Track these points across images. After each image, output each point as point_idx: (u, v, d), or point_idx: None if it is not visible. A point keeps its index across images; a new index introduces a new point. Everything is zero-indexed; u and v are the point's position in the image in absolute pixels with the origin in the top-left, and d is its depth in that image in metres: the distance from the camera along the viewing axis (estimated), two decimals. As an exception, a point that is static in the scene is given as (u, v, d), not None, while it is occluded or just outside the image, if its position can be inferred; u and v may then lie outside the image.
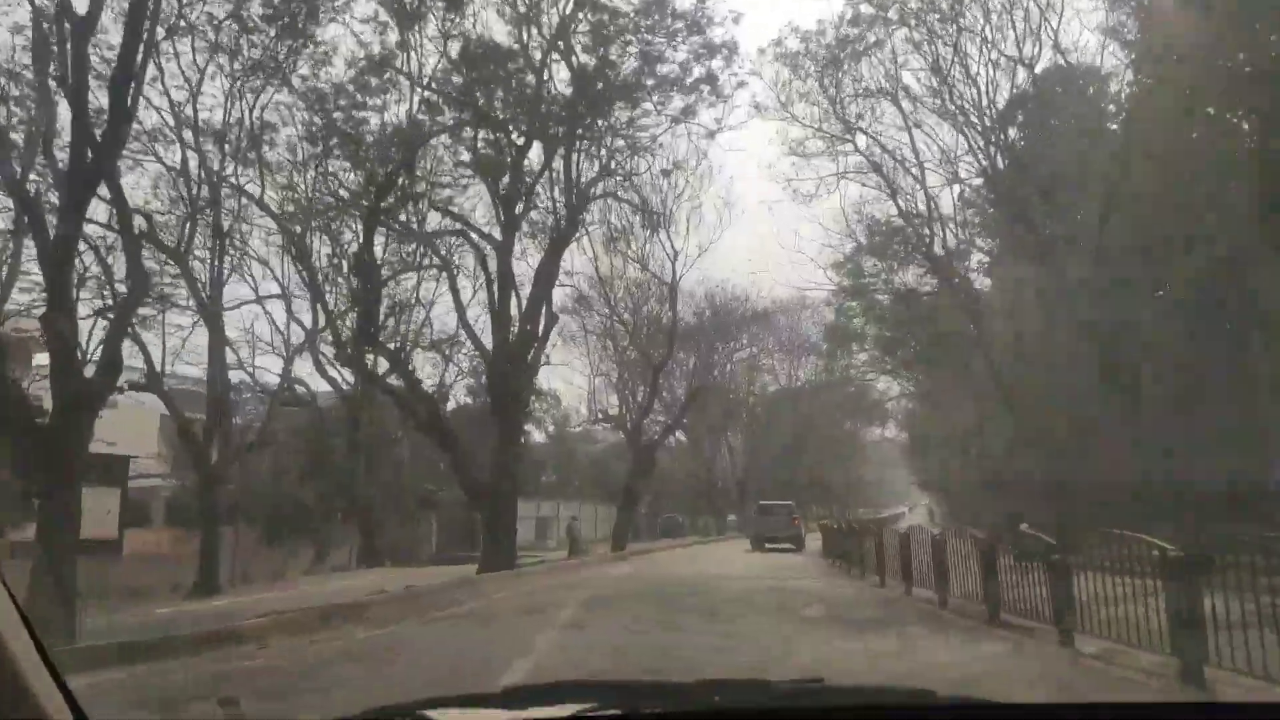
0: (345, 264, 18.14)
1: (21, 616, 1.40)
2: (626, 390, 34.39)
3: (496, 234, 20.14)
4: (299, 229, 20.50)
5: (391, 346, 26.59)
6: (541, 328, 20.53)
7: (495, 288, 19.54)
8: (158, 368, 20.69)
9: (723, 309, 44.42)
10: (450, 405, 39.70)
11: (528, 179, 20.06)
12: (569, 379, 40.50)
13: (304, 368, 32.48)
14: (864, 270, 41.62)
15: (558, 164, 20.50)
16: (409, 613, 11.18)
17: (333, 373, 29.12)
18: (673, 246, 28.43)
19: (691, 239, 59.76)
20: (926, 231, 29.09)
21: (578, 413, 44.56)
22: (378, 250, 19.85)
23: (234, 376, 27.59)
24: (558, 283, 22.04)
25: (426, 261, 21.50)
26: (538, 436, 59.99)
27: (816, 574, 19.90)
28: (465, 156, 19.81)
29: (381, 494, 34.69)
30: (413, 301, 22.54)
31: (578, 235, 22.57)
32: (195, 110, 20.43)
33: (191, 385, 27.81)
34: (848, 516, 79.60)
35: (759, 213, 39.52)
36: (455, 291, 19.64)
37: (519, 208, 19.86)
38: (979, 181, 30.98)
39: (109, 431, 24.57)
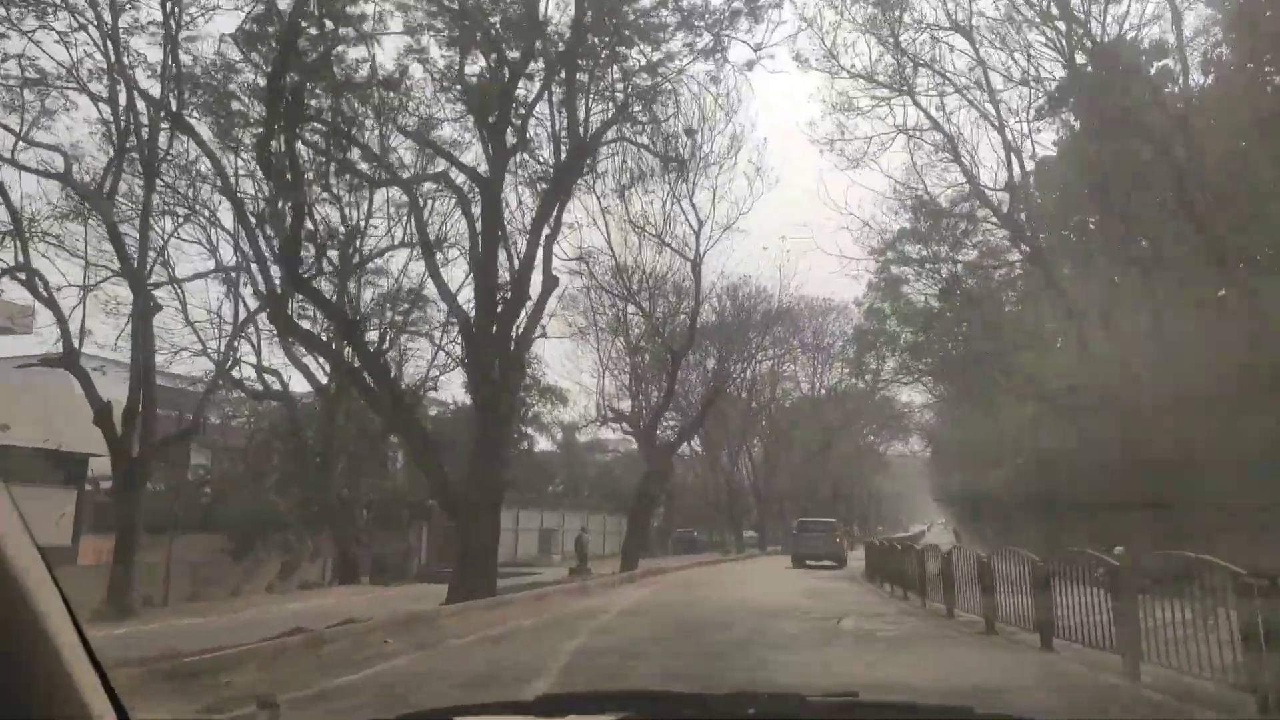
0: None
1: (69, 611, 1.28)
2: (640, 387, 30.06)
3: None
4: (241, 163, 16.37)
5: (367, 331, 22.55)
6: (538, 291, 16.25)
7: (480, 236, 15.28)
8: (129, 344, 16.62)
9: (745, 305, 40.19)
10: (442, 403, 35.50)
11: (522, 110, 15.88)
12: (577, 378, 36.72)
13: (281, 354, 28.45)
14: (908, 255, 37.31)
15: (559, 93, 16.30)
16: (287, 672, 6.99)
17: (309, 359, 24.91)
18: (696, 216, 24.23)
19: (719, 209, 54.41)
20: (1001, 196, 24.40)
21: (586, 414, 40.34)
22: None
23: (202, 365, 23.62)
24: (562, 237, 17.80)
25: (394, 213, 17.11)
26: (544, 444, 55.93)
27: (880, 603, 15.59)
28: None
29: (365, 500, 30.54)
30: (375, 257, 17.98)
31: (584, 177, 18.32)
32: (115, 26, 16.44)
33: (185, 384, 23.93)
34: (873, 534, 75.83)
35: (795, 183, 35.48)
36: (422, 230, 15.22)
37: (510, 139, 15.65)
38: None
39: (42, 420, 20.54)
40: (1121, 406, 24.53)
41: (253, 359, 27.42)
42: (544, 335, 16.85)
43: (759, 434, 52.48)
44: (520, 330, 15.78)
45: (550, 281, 16.75)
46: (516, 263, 15.90)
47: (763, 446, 51.59)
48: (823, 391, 56.89)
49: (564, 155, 15.98)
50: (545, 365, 38.04)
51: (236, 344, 21.67)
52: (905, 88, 23.81)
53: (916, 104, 24.16)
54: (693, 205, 24.09)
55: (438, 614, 10.98)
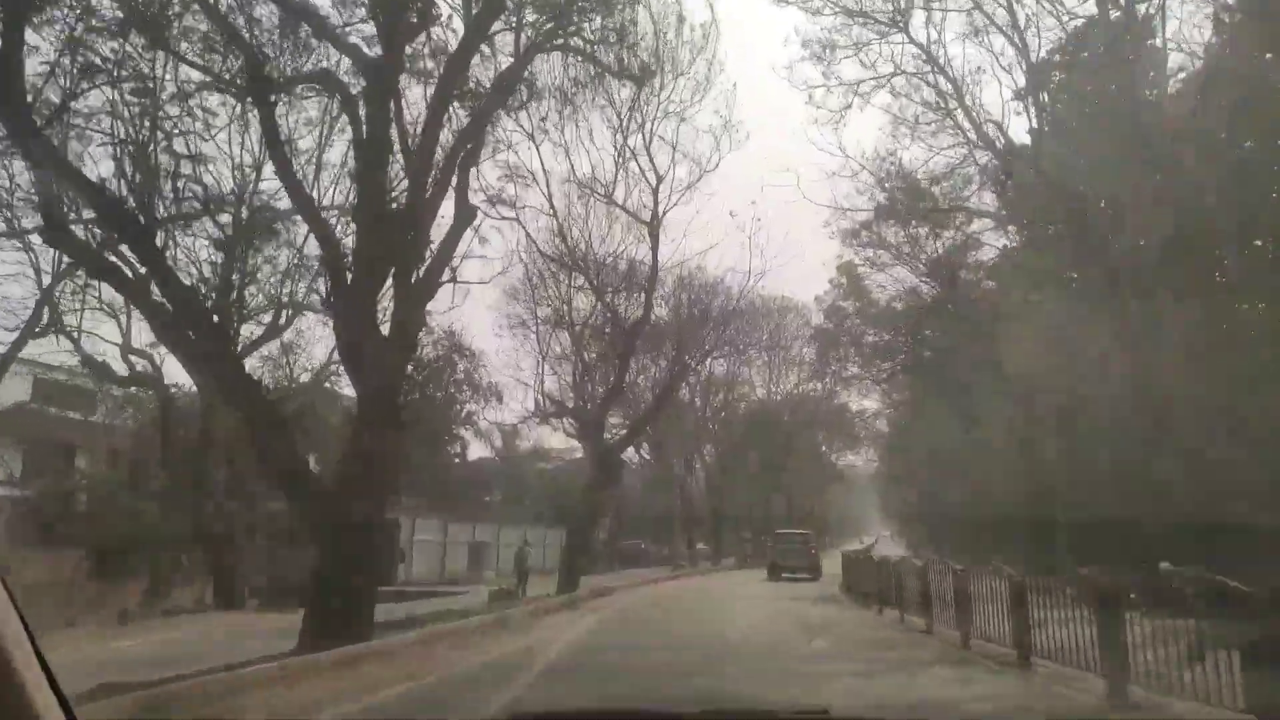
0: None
1: (25, 627, 1.33)
2: (586, 375, 25.56)
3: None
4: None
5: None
6: (446, 219, 11.82)
7: (366, 141, 10.72)
8: None
9: (700, 298, 36.14)
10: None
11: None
12: (517, 366, 31.76)
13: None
14: (885, 238, 33.58)
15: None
16: None
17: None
18: (655, 170, 19.97)
19: (679, 170, 49.18)
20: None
21: (526, 410, 35.60)
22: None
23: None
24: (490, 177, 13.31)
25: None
26: (480, 450, 51.01)
27: (893, 635, 11.47)
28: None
29: (257, 509, 25.55)
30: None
31: (516, 96, 13.96)
32: None
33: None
34: (824, 547, 72.31)
35: (768, 141, 31.42)
36: (268, 122, 10.34)
37: (412, 14, 11.16)
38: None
39: None
40: (1116, 415, 21.54)
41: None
42: (454, 280, 12.29)
43: (712, 440, 48.35)
44: (423, 272, 11.27)
45: (466, 211, 12.27)
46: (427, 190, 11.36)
47: (717, 454, 47.50)
48: (778, 397, 53.09)
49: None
50: (482, 360, 33.27)
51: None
52: (899, 20, 19.96)
53: (911, 39, 20.32)
54: (650, 157, 19.83)
55: (245, 680, 6.34)
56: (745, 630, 12.02)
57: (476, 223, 13.26)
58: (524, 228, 20.31)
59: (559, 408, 27.02)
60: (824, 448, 67.79)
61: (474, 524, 37.74)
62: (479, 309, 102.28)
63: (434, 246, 11.55)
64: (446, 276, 11.67)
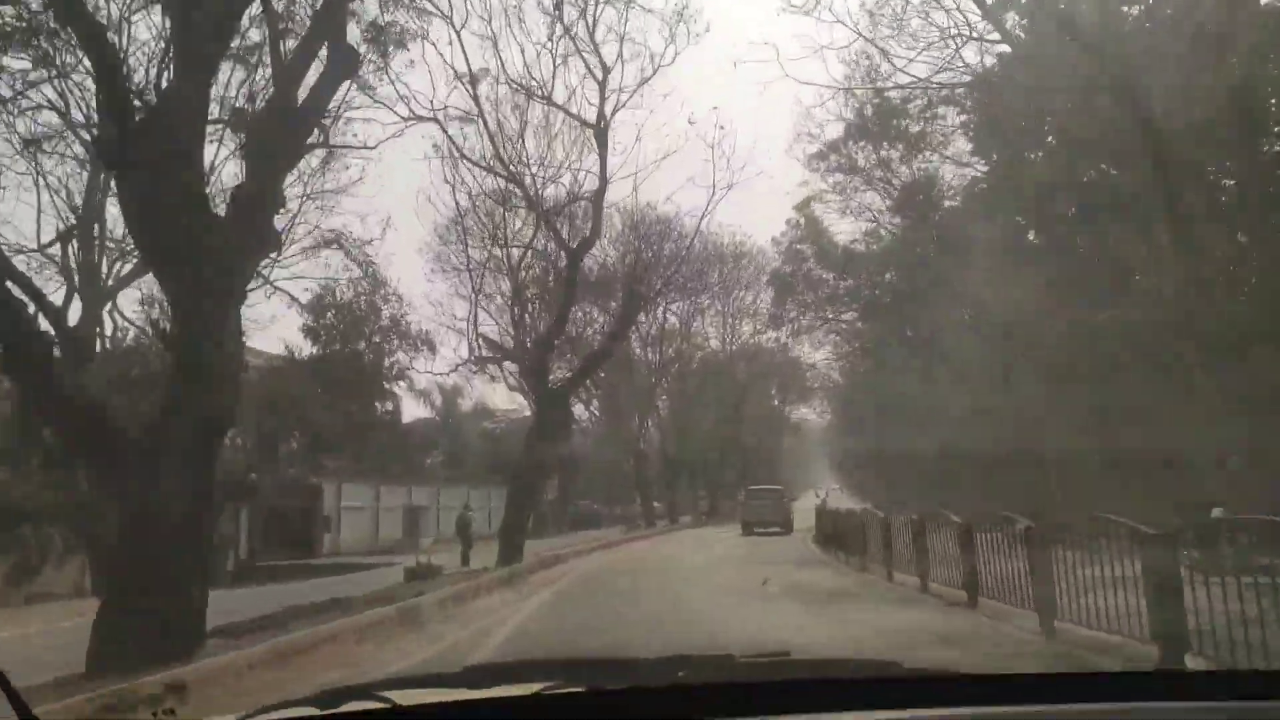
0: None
1: None
2: (525, 310, 22.21)
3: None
4: None
5: None
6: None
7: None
8: None
9: (652, 235, 32.95)
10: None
11: None
12: (452, 315, 28.08)
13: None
14: (856, 162, 30.69)
15: None
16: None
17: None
18: (600, 60, 16.57)
19: (629, 69, 44.62)
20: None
21: (457, 356, 32.12)
22: None
23: None
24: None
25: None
26: (419, 409, 47.39)
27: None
28: None
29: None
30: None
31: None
32: None
33: None
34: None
35: (731, 33, 27.54)
36: None
37: None
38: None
39: None
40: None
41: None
42: (326, 145, 8.87)
43: (666, 394, 45.46)
44: (281, 121, 7.88)
45: (345, 56, 8.82)
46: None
47: (670, 409, 44.64)
48: (733, 348, 50.31)
49: None
50: (410, 307, 29.65)
51: None
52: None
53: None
54: (595, 45, 16.42)
55: None
56: (740, 612, 9.10)
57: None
58: (440, 124, 16.74)
59: (496, 349, 23.70)
60: (776, 401, 65.71)
61: (410, 487, 34.38)
62: (407, 255, 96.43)
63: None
64: (318, 138, 8.20)
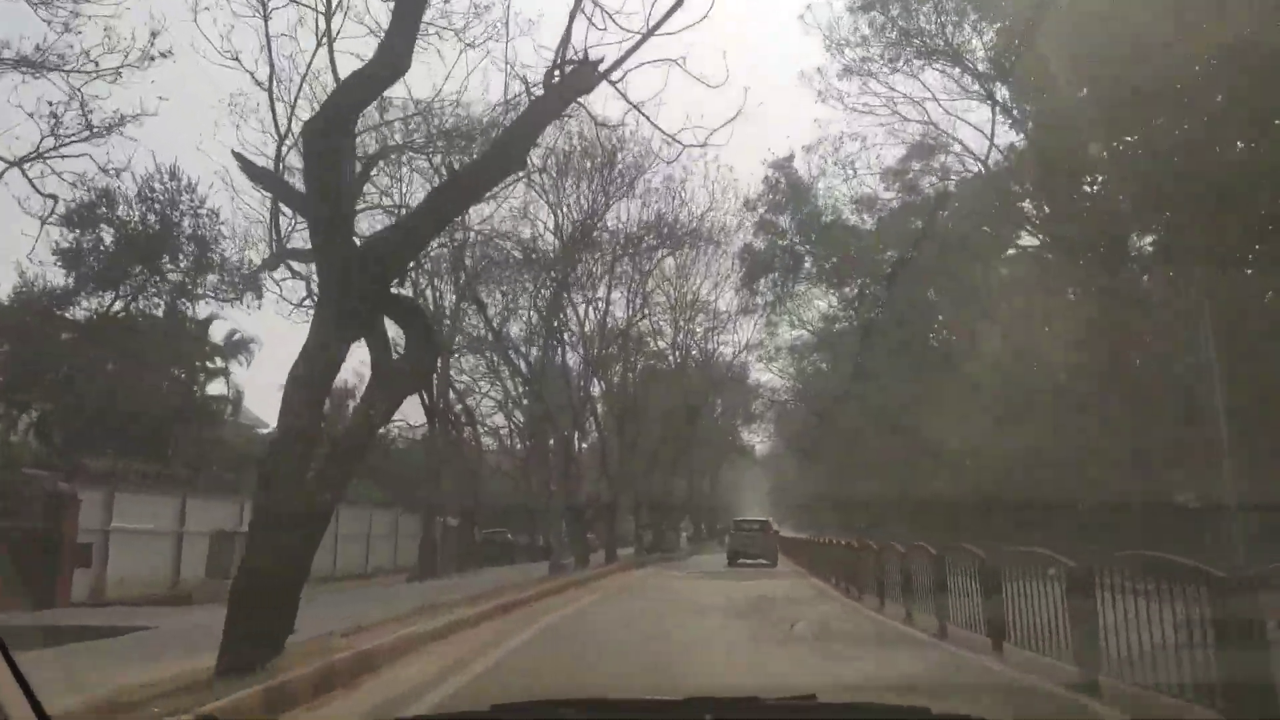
0: None
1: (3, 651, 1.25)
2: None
3: None
4: None
5: None
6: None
7: None
8: None
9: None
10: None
11: None
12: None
13: None
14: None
15: None
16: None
17: None
18: None
19: None
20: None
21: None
22: None
23: None
24: None
25: None
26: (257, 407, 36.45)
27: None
28: None
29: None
30: None
31: None
32: None
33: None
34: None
35: None
36: None
37: None
38: None
39: None
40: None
41: None
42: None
43: (606, 400, 35.49)
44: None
45: None
46: None
47: (614, 416, 34.79)
48: (683, 350, 40.61)
49: None
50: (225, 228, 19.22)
51: None
52: None
53: None
54: None
55: None
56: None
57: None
58: None
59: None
60: (718, 420, 55.69)
61: (245, 503, 23.45)
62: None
63: None
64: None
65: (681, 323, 38.30)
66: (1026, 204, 23.92)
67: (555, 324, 23.52)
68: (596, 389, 33.25)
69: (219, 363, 24.96)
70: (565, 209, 24.76)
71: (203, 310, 20.81)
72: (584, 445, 45.73)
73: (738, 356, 41.73)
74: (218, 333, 24.00)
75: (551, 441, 31.61)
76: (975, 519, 23.19)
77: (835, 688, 5.88)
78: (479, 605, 11.51)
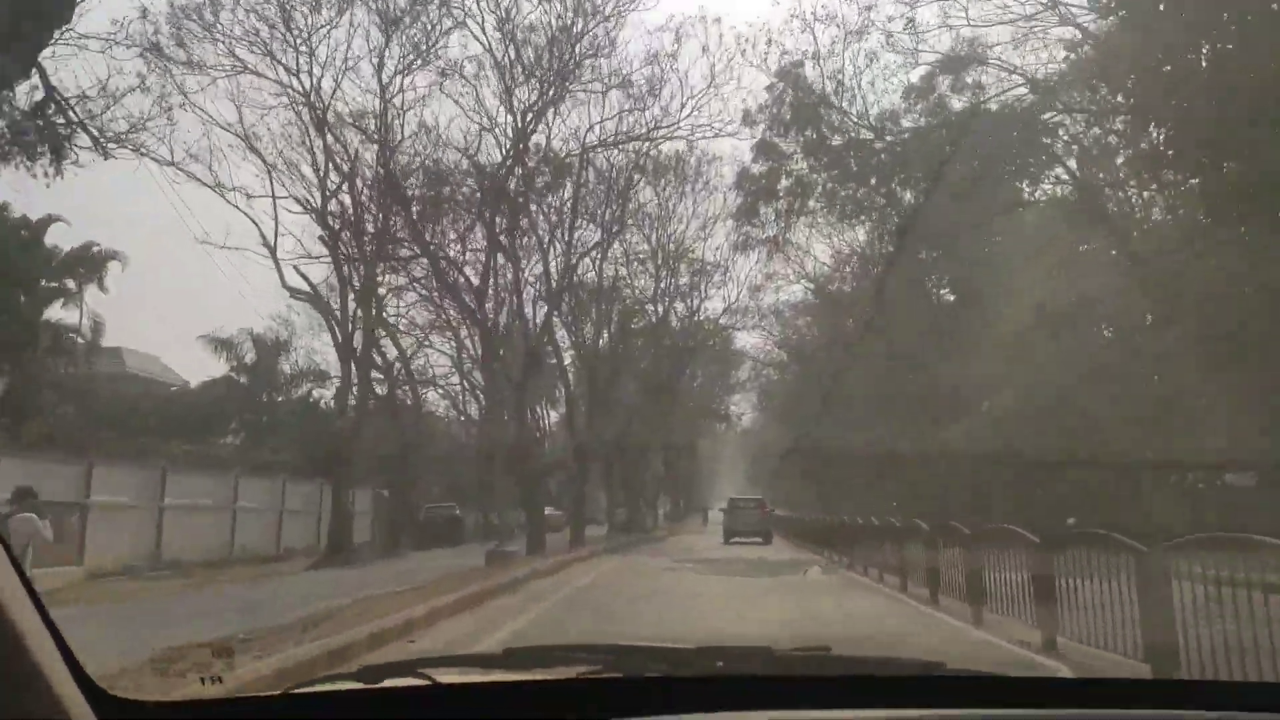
0: None
1: (38, 605, 1.18)
2: None
3: None
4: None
5: None
6: None
7: None
8: None
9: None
10: None
11: None
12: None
13: None
14: None
15: None
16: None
17: None
18: None
19: None
20: None
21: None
22: None
23: None
24: None
25: None
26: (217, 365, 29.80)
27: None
28: None
29: None
30: None
31: None
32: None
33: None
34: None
35: None
36: None
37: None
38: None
39: None
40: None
41: None
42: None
43: (577, 348, 29.58)
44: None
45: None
46: None
47: (585, 373, 28.99)
48: (679, 307, 34.76)
49: None
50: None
51: None
52: None
53: None
54: None
55: None
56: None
57: None
58: None
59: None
60: (698, 387, 49.65)
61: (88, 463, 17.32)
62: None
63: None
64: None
65: (664, 273, 32.44)
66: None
67: (500, 234, 17.56)
68: (565, 339, 27.37)
69: (72, 286, 18.87)
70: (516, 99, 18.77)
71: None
72: (551, 413, 39.84)
73: (734, 304, 35.53)
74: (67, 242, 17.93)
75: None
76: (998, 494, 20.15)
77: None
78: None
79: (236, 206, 18.45)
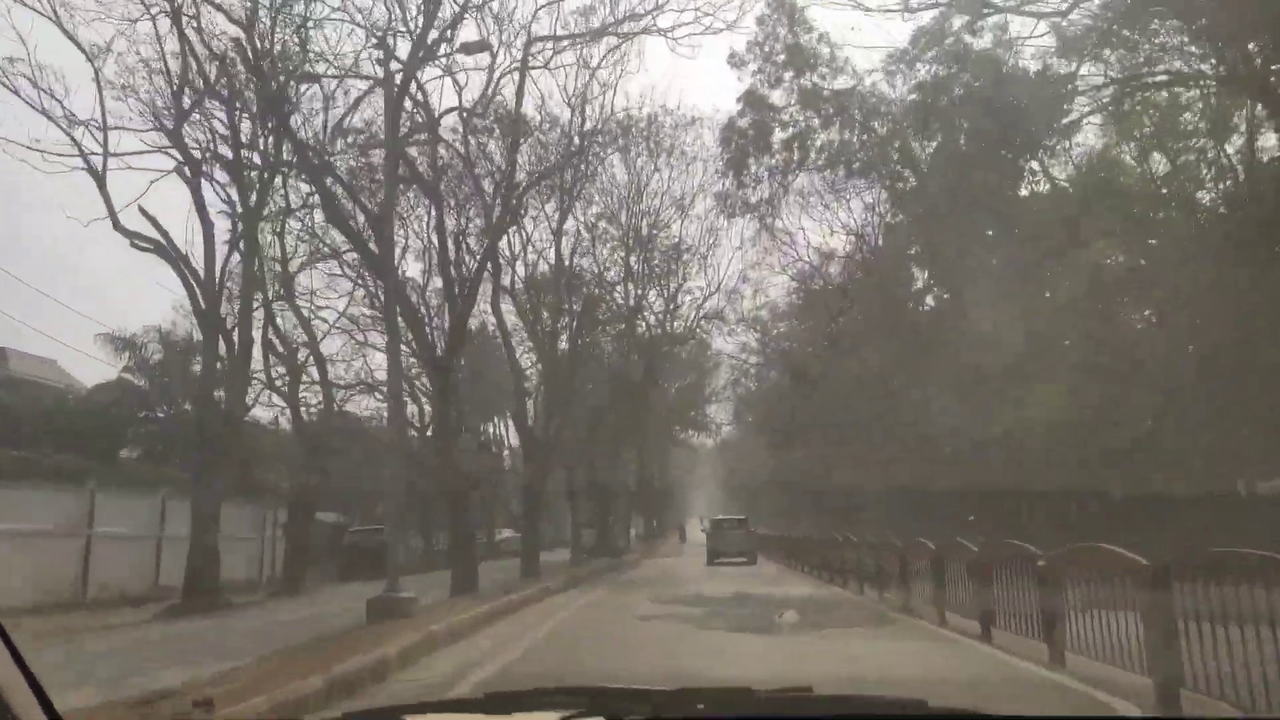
0: None
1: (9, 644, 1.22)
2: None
3: None
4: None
5: None
6: None
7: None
8: None
9: None
10: None
11: None
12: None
13: None
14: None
15: None
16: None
17: None
18: None
19: None
20: None
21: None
22: None
23: None
24: None
25: None
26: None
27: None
28: None
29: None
30: None
31: None
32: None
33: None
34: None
35: None
36: None
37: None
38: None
39: None
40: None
41: None
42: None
43: (533, 336, 24.63)
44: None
45: None
46: None
47: (544, 365, 24.15)
48: (655, 298, 30.10)
49: None
50: None
51: None
52: None
53: None
54: None
55: None
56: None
57: None
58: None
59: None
60: (674, 393, 44.73)
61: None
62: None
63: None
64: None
65: (634, 261, 27.69)
66: None
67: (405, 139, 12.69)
68: (512, 314, 22.43)
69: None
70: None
71: None
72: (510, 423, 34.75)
73: (716, 288, 30.73)
74: None
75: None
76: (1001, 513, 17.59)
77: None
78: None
79: (48, 115, 13.43)
